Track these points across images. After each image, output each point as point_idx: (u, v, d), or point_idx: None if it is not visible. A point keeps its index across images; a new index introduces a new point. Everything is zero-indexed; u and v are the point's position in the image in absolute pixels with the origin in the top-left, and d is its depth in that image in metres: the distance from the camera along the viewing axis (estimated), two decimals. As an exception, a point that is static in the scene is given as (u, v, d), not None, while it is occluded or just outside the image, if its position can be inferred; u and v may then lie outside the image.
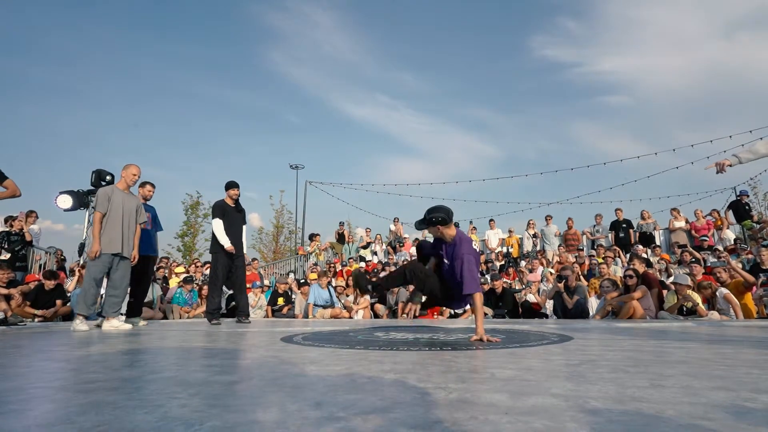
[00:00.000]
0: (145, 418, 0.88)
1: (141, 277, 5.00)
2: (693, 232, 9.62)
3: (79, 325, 4.00)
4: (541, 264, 8.84)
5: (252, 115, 39.52)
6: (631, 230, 10.12)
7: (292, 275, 10.59)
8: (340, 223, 13.84)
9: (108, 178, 6.88)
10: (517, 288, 7.92)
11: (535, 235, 10.97)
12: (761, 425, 0.80)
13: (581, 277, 7.51)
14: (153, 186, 5.30)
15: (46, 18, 30.73)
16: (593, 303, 6.57)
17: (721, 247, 8.69)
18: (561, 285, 6.57)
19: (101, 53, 32.74)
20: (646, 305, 5.68)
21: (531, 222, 11.25)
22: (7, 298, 5.74)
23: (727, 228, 9.65)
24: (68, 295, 6.71)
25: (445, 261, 3.08)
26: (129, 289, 4.97)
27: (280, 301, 8.02)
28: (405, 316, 7.18)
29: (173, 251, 18.77)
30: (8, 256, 7.08)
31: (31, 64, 31.39)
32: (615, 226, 10.22)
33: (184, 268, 9.80)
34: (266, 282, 9.77)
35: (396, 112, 38.33)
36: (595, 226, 10.72)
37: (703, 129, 37.83)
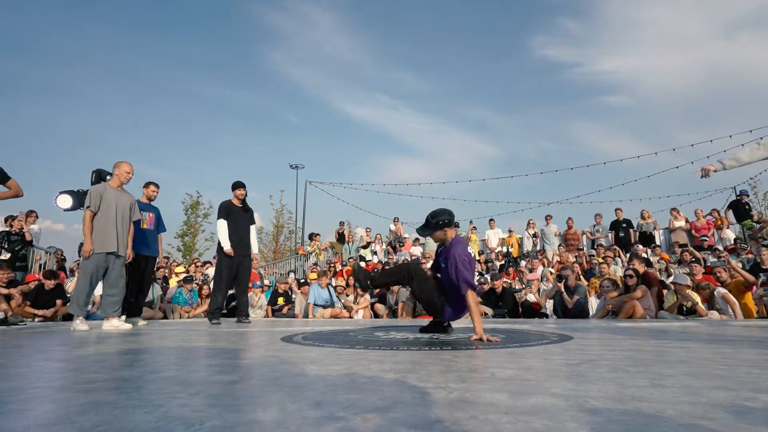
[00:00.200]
0: (145, 417, 0.88)
1: (141, 277, 5.00)
2: (693, 231, 9.62)
3: (79, 325, 3.99)
4: (542, 264, 8.84)
5: (252, 115, 39.55)
6: (631, 230, 10.12)
7: (292, 275, 10.60)
8: (341, 222, 13.86)
9: (108, 177, 6.87)
10: (517, 288, 7.92)
11: (535, 235, 10.97)
12: (761, 424, 0.80)
13: (581, 276, 7.51)
14: (157, 186, 5.28)
15: (46, 18, 30.73)
16: (593, 303, 6.57)
17: (721, 247, 8.69)
18: (561, 285, 6.57)
19: (101, 53, 32.76)
20: (646, 305, 5.68)
21: (531, 222, 11.25)
22: (7, 297, 5.74)
23: (727, 228, 9.65)
24: (68, 295, 6.71)
25: (442, 264, 3.07)
26: (129, 288, 4.96)
27: (280, 300, 8.02)
28: (404, 315, 7.18)
29: (173, 251, 18.80)
30: (8, 255, 7.08)
31: (31, 64, 31.40)
32: (615, 225, 10.22)
33: (184, 267, 9.80)
34: (266, 282, 9.77)
35: (396, 112, 38.35)
36: (595, 225, 10.72)
37: (703, 129, 37.84)
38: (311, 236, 12.92)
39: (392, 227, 13.06)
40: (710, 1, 34.04)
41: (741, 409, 0.93)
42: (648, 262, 7.92)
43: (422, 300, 3.25)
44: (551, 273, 7.75)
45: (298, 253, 13.63)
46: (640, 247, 9.25)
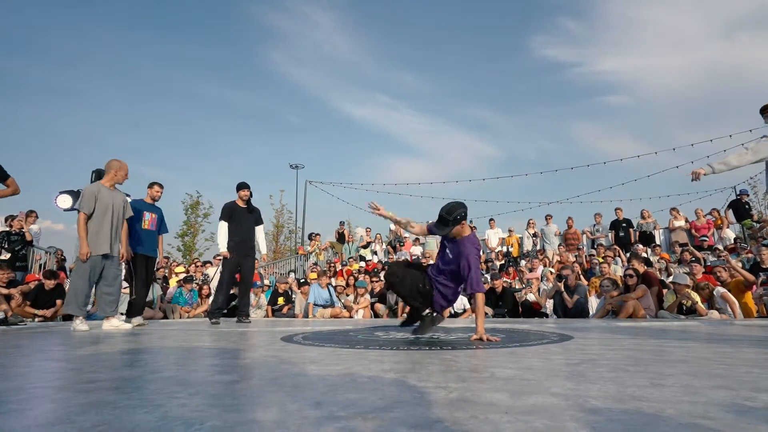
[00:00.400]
0: (145, 417, 0.88)
1: (144, 277, 4.98)
2: (693, 231, 9.61)
3: (79, 325, 3.99)
4: (542, 264, 8.84)
5: (252, 115, 39.57)
6: (631, 229, 10.11)
7: (292, 275, 10.59)
8: (341, 222, 13.86)
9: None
10: (517, 287, 7.92)
11: (535, 235, 10.96)
12: (761, 424, 0.80)
13: (581, 276, 7.51)
14: (161, 186, 5.23)
15: (46, 18, 30.73)
16: (593, 302, 6.57)
17: (721, 247, 8.69)
18: (561, 284, 6.57)
19: (101, 53, 32.78)
20: (646, 304, 5.68)
21: (531, 221, 11.25)
22: (8, 297, 5.74)
23: (727, 227, 9.65)
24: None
25: (449, 254, 3.07)
26: (129, 288, 4.96)
27: (280, 300, 8.02)
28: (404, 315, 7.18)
29: (173, 251, 18.81)
30: (8, 255, 7.08)
31: (31, 64, 31.41)
32: (615, 225, 10.22)
33: (184, 267, 9.80)
34: (266, 281, 9.77)
35: (396, 112, 38.37)
36: (595, 225, 10.72)
37: (703, 128, 37.85)
38: (311, 236, 12.93)
39: (392, 227, 13.03)
40: (710, 1, 34.06)
41: (741, 408, 0.93)
42: (648, 262, 7.92)
43: (407, 292, 3.28)
44: (551, 273, 7.75)
45: (298, 253, 13.62)
46: (640, 246, 9.25)
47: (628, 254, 8.65)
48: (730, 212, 9.83)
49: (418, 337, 2.92)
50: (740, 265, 6.46)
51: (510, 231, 11.60)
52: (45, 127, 33.07)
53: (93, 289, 4.35)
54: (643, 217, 10.45)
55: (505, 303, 6.88)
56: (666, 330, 3.46)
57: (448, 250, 3.09)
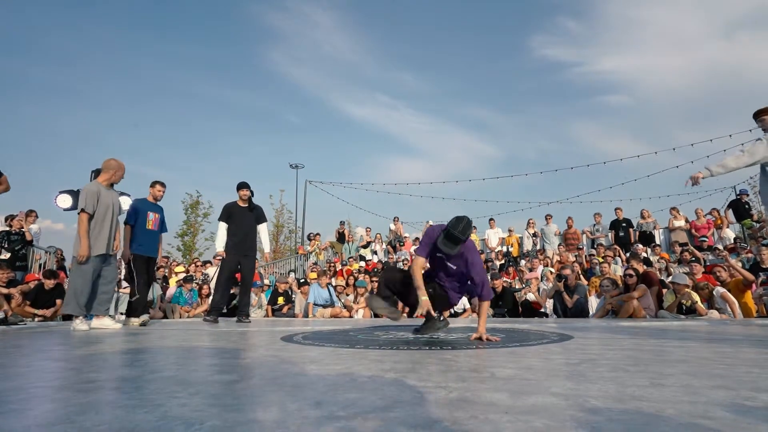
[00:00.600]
0: (145, 417, 0.88)
1: (145, 278, 4.97)
2: (693, 231, 9.61)
3: (79, 324, 3.98)
4: (542, 263, 8.84)
5: (252, 115, 39.57)
6: (630, 229, 10.11)
7: (292, 275, 10.59)
8: (341, 222, 13.86)
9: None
10: (517, 287, 7.92)
11: (535, 235, 10.96)
12: (761, 424, 0.80)
13: (581, 276, 7.51)
14: (163, 185, 5.19)
15: (46, 18, 30.72)
16: (593, 302, 6.57)
17: (720, 247, 8.69)
18: (561, 284, 6.57)
19: (101, 53, 32.77)
20: (646, 304, 5.68)
21: (531, 221, 11.25)
22: (7, 297, 5.74)
23: (727, 227, 9.65)
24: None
25: (451, 266, 2.99)
26: (129, 288, 4.95)
27: (280, 300, 8.02)
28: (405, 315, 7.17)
29: (173, 251, 18.81)
30: (8, 255, 7.07)
31: (31, 64, 31.41)
32: (615, 225, 10.22)
33: (184, 267, 9.80)
34: (266, 281, 9.77)
35: (396, 111, 38.37)
36: (594, 225, 10.72)
37: (703, 128, 37.88)
38: (309, 237, 12.93)
39: (392, 227, 13.05)
40: (710, 1, 34.06)
41: (741, 408, 0.93)
42: (647, 262, 7.93)
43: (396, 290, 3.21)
44: (551, 272, 7.75)
45: (298, 253, 13.62)
46: (640, 246, 9.25)
47: (627, 254, 8.65)
48: (730, 212, 9.82)
49: (417, 337, 2.92)
50: (740, 264, 6.46)
51: (510, 231, 11.60)
52: (45, 127, 33.10)
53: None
54: (642, 217, 10.45)
55: (505, 303, 6.87)
56: (666, 330, 3.46)
57: (449, 262, 3.00)
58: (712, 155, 10.38)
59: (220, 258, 5.58)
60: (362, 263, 10.92)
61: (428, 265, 3.14)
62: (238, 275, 5.78)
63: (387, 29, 39.79)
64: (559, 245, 10.21)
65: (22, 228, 7.33)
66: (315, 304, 7.64)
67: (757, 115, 3.55)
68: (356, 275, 8.89)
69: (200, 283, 8.17)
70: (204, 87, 37.80)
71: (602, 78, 36.02)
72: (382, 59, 40.77)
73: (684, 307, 5.40)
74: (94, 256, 4.10)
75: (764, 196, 3.48)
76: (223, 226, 5.36)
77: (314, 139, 39.70)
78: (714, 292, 5.56)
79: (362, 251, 12.17)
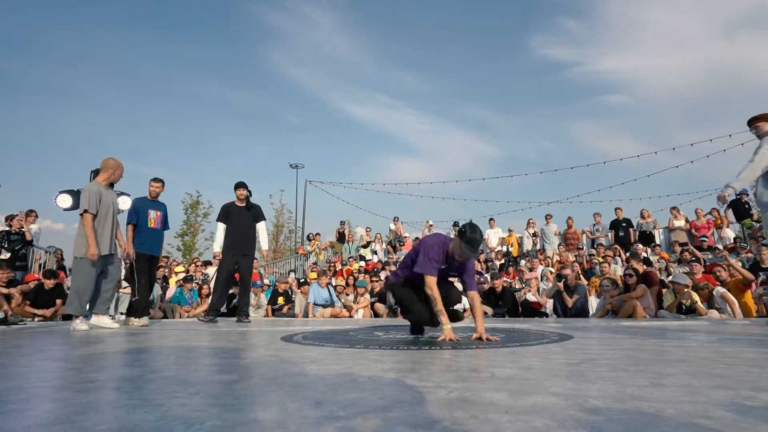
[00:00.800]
0: (145, 417, 0.88)
1: (147, 277, 4.96)
2: (693, 231, 9.61)
3: (79, 324, 3.98)
4: (542, 263, 8.84)
5: (252, 115, 39.56)
6: (630, 229, 10.11)
7: (292, 274, 10.59)
8: (341, 222, 13.86)
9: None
10: (517, 287, 7.92)
11: (535, 234, 10.96)
12: (761, 423, 0.80)
13: (581, 276, 7.51)
14: (156, 181, 5.15)
15: (46, 18, 30.71)
16: (593, 302, 6.57)
17: (720, 246, 8.69)
18: (561, 284, 6.57)
19: (101, 53, 32.76)
20: (646, 304, 5.68)
21: (531, 221, 11.25)
22: (7, 297, 5.73)
23: (727, 227, 9.64)
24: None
25: (446, 268, 2.99)
26: (130, 288, 4.95)
27: (280, 300, 8.02)
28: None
29: (173, 251, 18.81)
30: (8, 255, 7.07)
31: (31, 64, 31.40)
32: (615, 225, 10.22)
33: (184, 267, 9.80)
34: (266, 281, 9.77)
35: (396, 111, 38.36)
36: (594, 225, 10.72)
37: (703, 128, 37.90)
38: (309, 237, 12.94)
39: (392, 227, 13.05)
40: (710, 1, 34.06)
41: (741, 408, 0.93)
42: (647, 262, 7.92)
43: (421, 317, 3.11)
44: (551, 272, 7.75)
45: (298, 253, 13.62)
46: (640, 246, 9.24)
47: (627, 254, 8.64)
48: (730, 212, 9.81)
49: (417, 337, 2.92)
50: (740, 264, 6.46)
51: (510, 231, 11.60)
52: (45, 127, 33.08)
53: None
54: (642, 217, 10.45)
55: (505, 303, 6.87)
56: (666, 330, 3.46)
57: (449, 268, 3.00)
58: (711, 155, 10.39)
59: (219, 258, 5.58)
60: (362, 263, 10.92)
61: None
62: (237, 275, 5.78)
63: (387, 29, 39.80)
64: (559, 245, 10.20)
65: (22, 228, 7.33)
66: (315, 304, 7.64)
67: (752, 122, 3.57)
68: (356, 275, 8.89)
69: (200, 283, 8.17)
70: (204, 87, 37.83)
71: (602, 78, 36.05)
72: (382, 59, 40.79)
73: (684, 307, 5.40)
74: (88, 257, 4.10)
75: (760, 198, 3.52)
76: (221, 227, 5.37)
77: (314, 139, 39.74)
78: (714, 292, 5.56)
79: (362, 251, 12.17)
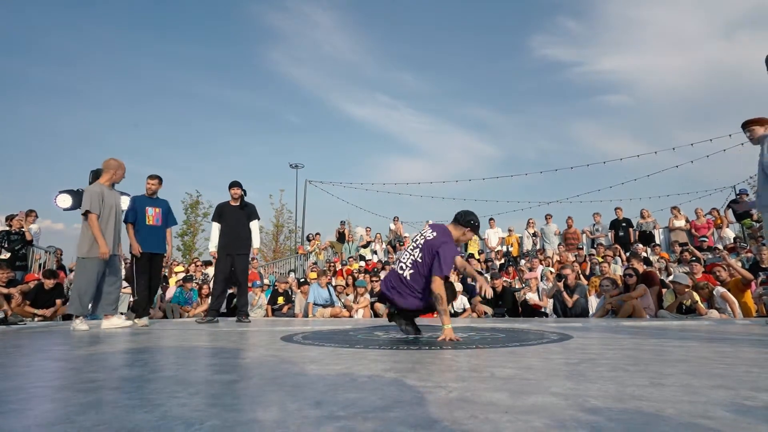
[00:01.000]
0: (145, 417, 0.88)
1: (153, 276, 4.96)
2: (693, 231, 9.61)
3: (79, 324, 3.98)
4: (542, 263, 8.84)
5: (252, 115, 39.58)
6: (630, 229, 10.10)
7: (292, 274, 10.59)
8: (341, 222, 13.85)
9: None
10: (517, 287, 7.92)
11: (534, 234, 10.96)
12: (761, 423, 0.80)
13: (581, 276, 7.51)
14: (152, 178, 5.10)
15: (46, 18, 30.73)
16: (593, 302, 6.57)
17: (720, 246, 8.69)
18: (561, 284, 6.57)
19: (101, 53, 32.80)
20: (646, 304, 5.68)
21: (531, 221, 11.24)
22: (7, 297, 5.73)
23: (727, 227, 9.64)
24: (68, 294, 6.71)
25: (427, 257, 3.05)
26: (130, 288, 4.95)
27: (280, 300, 8.02)
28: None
29: (173, 251, 18.81)
30: (8, 255, 7.07)
31: (31, 64, 31.43)
32: (615, 224, 10.21)
33: (184, 267, 9.80)
34: (266, 281, 9.77)
35: (396, 111, 38.38)
36: (594, 225, 10.72)
37: (703, 128, 37.93)
38: (309, 237, 12.93)
39: (392, 226, 13.04)
40: (710, 1, 34.07)
41: (741, 407, 0.93)
42: (647, 262, 7.92)
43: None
44: (551, 272, 7.75)
45: (298, 253, 13.63)
46: (640, 246, 9.24)
47: (627, 254, 8.64)
48: (730, 212, 9.82)
49: (417, 337, 2.92)
50: (740, 264, 6.46)
51: (510, 230, 11.59)
52: (45, 127, 33.11)
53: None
54: (642, 217, 10.44)
55: (505, 303, 6.87)
56: (666, 329, 3.46)
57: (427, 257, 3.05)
58: (711, 155, 10.39)
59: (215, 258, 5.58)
60: (362, 263, 10.92)
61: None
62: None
63: (387, 29, 39.82)
64: (559, 245, 10.20)
65: (22, 228, 7.33)
66: (315, 304, 7.64)
67: (746, 125, 3.56)
68: (356, 275, 8.89)
69: (200, 283, 8.18)
70: (204, 87, 37.86)
71: (602, 78, 36.09)
72: (382, 59, 40.81)
73: (684, 307, 5.40)
74: (99, 257, 4.13)
75: (761, 200, 3.50)
76: (216, 227, 5.37)
77: (314, 139, 39.77)
78: (714, 292, 5.56)
79: (362, 251, 12.17)
